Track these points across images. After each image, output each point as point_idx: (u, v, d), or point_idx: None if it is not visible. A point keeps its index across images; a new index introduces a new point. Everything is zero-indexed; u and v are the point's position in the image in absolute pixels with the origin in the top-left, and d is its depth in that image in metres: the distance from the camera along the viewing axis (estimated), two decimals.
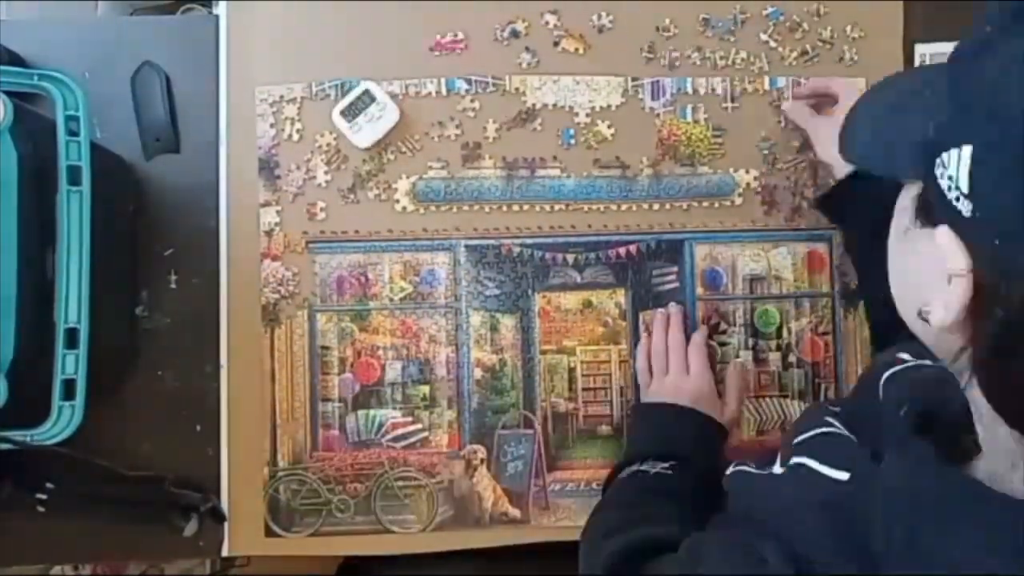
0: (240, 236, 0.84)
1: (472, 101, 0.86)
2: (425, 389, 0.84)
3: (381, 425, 0.84)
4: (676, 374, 0.79)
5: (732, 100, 0.86)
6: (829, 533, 0.41)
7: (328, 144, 0.85)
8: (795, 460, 0.47)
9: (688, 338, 0.81)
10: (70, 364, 0.68)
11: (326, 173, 0.85)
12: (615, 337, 0.85)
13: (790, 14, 0.86)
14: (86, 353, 0.68)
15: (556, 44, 0.86)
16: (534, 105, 0.86)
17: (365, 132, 0.83)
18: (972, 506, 0.38)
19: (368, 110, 0.82)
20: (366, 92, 0.82)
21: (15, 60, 0.81)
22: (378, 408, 0.84)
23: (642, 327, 0.85)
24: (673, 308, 0.83)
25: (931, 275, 0.39)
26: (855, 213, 0.75)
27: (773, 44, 0.86)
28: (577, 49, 0.86)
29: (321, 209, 0.85)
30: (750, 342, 0.85)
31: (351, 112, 0.82)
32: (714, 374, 0.81)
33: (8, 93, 0.65)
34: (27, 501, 0.71)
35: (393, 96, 0.85)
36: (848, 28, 0.87)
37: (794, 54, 0.87)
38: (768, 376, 0.85)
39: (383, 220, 0.85)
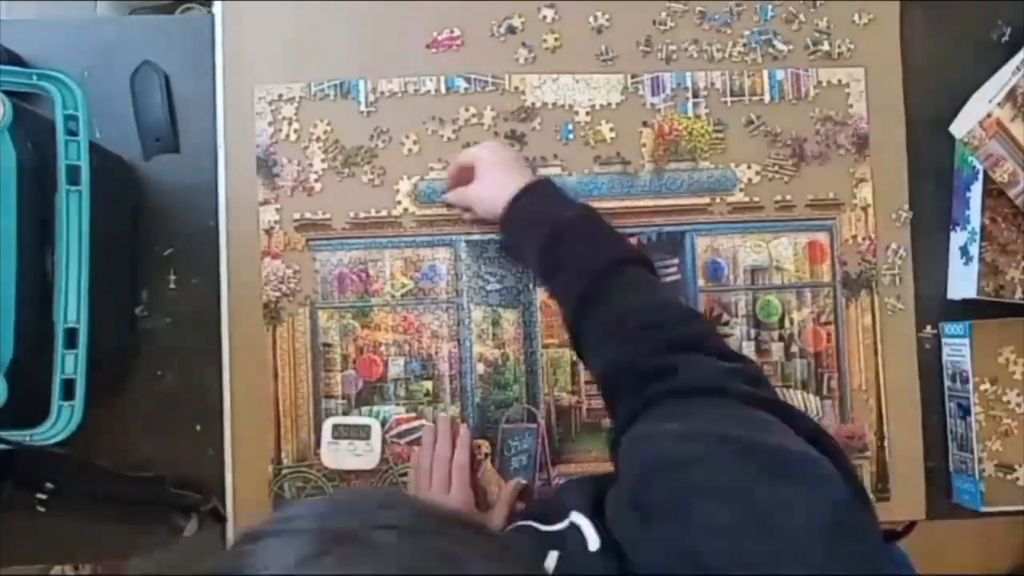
0: (240, 235, 0.84)
1: (471, 100, 0.86)
2: (428, 385, 0.84)
3: (385, 421, 0.83)
4: (437, 491, 0.77)
5: (732, 94, 0.87)
6: None
7: (324, 132, 0.85)
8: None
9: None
10: (70, 364, 0.67)
11: (323, 161, 0.85)
12: None
13: (786, 5, 0.87)
14: (86, 353, 0.67)
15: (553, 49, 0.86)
16: (534, 104, 0.86)
17: (339, 456, 0.81)
18: None
19: (357, 443, 0.81)
20: (369, 428, 0.81)
21: (15, 60, 0.81)
22: (381, 404, 0.83)
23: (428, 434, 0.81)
24: (441, 422, 0.82)
25: None
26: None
27: (770, 36, 0.87)
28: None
29: (317, 193, 0.84)
30: (752, 333, 0.85)
31: (341, 433, 0.81)
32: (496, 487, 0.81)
33: (8, 93, 0.65)
34: (27, 501, 0.70)
35: (392, 94, 0.85)
36: (845, 19, 0.87)
37: (791, 46, 0.87)
38: (771, 367, 0.85)
39: (383, 213, 0.85)
